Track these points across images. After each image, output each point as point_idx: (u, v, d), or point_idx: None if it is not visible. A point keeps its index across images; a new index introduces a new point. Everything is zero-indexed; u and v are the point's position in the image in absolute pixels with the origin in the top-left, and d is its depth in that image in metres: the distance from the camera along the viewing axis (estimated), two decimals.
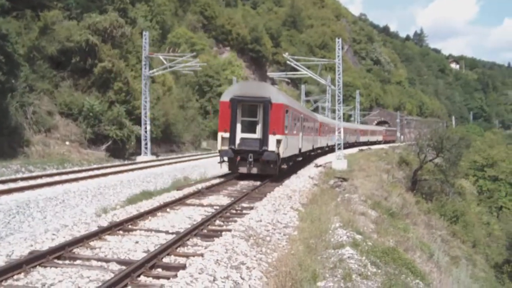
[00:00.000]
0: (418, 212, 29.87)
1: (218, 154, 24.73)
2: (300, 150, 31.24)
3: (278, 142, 23.77)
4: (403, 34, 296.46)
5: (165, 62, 44.30)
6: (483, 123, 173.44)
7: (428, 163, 41.11)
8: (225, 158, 24.18)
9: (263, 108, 23.68)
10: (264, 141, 23.52)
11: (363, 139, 77.85)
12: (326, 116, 62.31)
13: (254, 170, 23.95)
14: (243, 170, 24.11)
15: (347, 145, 55.17)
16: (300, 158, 34.58)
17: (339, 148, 39.05)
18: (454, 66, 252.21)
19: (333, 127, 45.50)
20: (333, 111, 53.30)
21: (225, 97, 24.16)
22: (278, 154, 23.79)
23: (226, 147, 23.61)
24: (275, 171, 24.45)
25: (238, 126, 24.11)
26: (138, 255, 10.59)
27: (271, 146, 23.49)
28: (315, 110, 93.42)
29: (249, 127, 24.37)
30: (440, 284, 12.59)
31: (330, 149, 47.83)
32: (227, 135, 23.81)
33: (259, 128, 24.05)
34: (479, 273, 27.95)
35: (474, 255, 32.13)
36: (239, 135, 24.08)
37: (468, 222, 35.96)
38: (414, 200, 32.31)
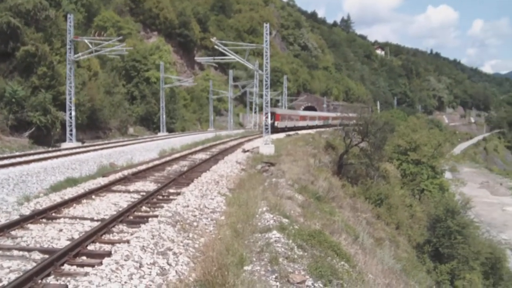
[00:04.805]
0: (344, 195, 30.32)
1: (145, 140, 25.87)
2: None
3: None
4: (330, 20, 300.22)
5: (90, 46, 43.29)
6: (407, 108, 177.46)
7: (353, 148, 41.76)
8: None
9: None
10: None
11: (318, 122, 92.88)
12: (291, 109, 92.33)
13: None
14: None
15: (307, 127, 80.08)
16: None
17: (267, 133, 39.29)
18: (379, 52, 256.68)
19: (295, 114, 77.46)
20: (261, 96, 53.58)
21: None
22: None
23: None
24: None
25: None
26: (62, 243, 10.43)
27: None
28: (243, 95, 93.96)
29: None
30: (365, 265, 12.83)
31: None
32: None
33: None
34: (402, 253, 28.65)
35: (398, 237, 32.92)
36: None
37: (392, 205, 36.76)
38: (340, 184, 32.73)
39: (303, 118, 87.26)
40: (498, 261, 39.12)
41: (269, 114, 40.99)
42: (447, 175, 76.06)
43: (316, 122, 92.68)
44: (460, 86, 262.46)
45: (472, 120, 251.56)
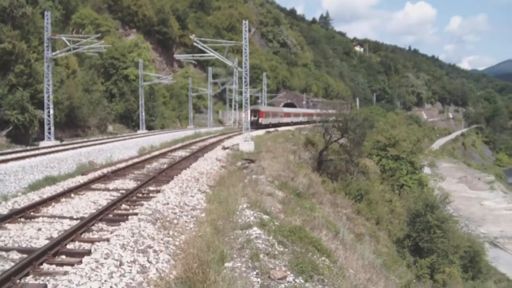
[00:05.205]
0: (324, 191, 30.43)
1: (124, 138, 25.79)
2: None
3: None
4: (309, 17, 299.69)
5: (68, 43, 42.86)
6: (386, 104, 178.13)
7: (333, 144, 41.93)
8: None
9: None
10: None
11: (303, 119, 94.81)
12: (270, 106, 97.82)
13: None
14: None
15: (292, 124, 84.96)
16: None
17: (246, 130, 39.27)
18: (358, 49, 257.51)
19: (280, 111, 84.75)
20: (240, 93, 53.56)
21: None
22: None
23: None
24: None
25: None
26: (41, 243, 10.35)
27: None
28: (223, 92, 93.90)
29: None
30: (345, 261, 12.89)
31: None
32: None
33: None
34: (382, 248, 28.82)
35: (378, 232, 33.11)
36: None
37: (371, 200, 36.95)
38: (320, 180, 32.87)
39: (288, 114, 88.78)
40: (477, 255, 39.56)
41: (248, 112, 40.99)
42: (426, 170, 76.64)
43: (301, 119, 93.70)
44: (438, 82, 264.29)
45: (451, 115, 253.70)
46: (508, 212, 72.81)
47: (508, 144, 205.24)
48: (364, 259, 16.13)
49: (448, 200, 40.02)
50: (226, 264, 9.18)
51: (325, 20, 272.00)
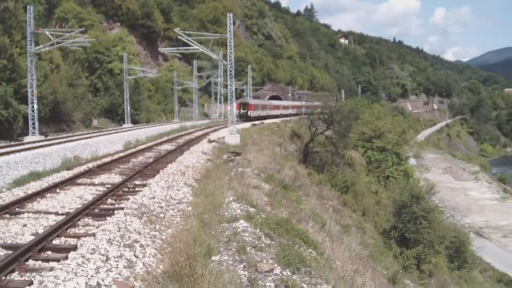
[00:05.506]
0: (310, 183, 30.49)
1: (109, 132, 25.55)
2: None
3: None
4: (294, 10, 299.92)
5: (52, 38, 42.52)
6: (371, 96, 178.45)
7: (319, 136, 41.97)
8: None
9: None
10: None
11: (292, 111, 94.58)
12: (256, 98, 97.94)
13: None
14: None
15: (281, 116, 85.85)
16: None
17: (232, 123, 39.23)
18: (343, 41, 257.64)
19: (269, 104, 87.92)
20: (226, 86, 53.45)
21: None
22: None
23: None
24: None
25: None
26: (26, 239, 10.29)
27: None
28: (208, 85, 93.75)
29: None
30: (332, 253, 12.94)
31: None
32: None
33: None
34: (369, 240, 28.95)
35: (364, 223, 33.25)
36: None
37: (358, 192, 37.10)
38: (306, 172, 32.92)
39: (277, 107, 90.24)
40: (462, 245, 39.90)
41: (234, 105, 40.94)
42: (412, 161, 77.05)
43: (290, 111, 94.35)
44: (423, 73, 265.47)
45: (435, 107, 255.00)
46: (492, 202, 73.52)
47: (492, 135, 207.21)
48: (351, 251, 16.21)
49: (433, 191, 40.27)
50: (213, 258, 9.18)
51: (309, 12, 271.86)
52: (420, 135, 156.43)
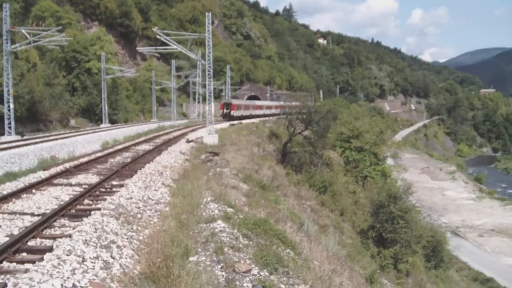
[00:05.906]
0: (288, 183, 30.59)
1: (87, 132, 25.46)
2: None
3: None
4: (272, 10, 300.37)
5: (28, 36, 42.15)
6: (349, 96, 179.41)
7: (297, 136, 42.10)
8: None
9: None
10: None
11: (275, 111, 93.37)
12: (234, 98, 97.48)
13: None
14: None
15: (263, 116, 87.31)
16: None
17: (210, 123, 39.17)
18: (321, 41, 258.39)
19: (252, 104, 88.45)
20: (204, 86, 53.34)
21: None
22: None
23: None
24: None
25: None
26: (1, 240, 10.16)
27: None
28: (186, 85, 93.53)
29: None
30: (310, 253, 12.99)
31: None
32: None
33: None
34: (347, 239, 29.10)
35: (342, 223, 33.43)
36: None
37: (336, 192, 37.28)
38: (285, 172, 32.98)
39: (260, 107, 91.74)
40: (439, 244, 40.32)
41: (212, 104, 40.90)
42: (389, 161, 77.69)
43: (273, 111, 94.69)
44: (400, 74, 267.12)
45: (413, 107, 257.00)
46: (469, 201, 74.40)
47: (469, 135, 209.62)
48: (329, 251, 16.28)
49: (410, 191, 40.59)
50: (191, 258, 9.16)
51: (288, 12, 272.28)
52: (398, 135, 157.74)
